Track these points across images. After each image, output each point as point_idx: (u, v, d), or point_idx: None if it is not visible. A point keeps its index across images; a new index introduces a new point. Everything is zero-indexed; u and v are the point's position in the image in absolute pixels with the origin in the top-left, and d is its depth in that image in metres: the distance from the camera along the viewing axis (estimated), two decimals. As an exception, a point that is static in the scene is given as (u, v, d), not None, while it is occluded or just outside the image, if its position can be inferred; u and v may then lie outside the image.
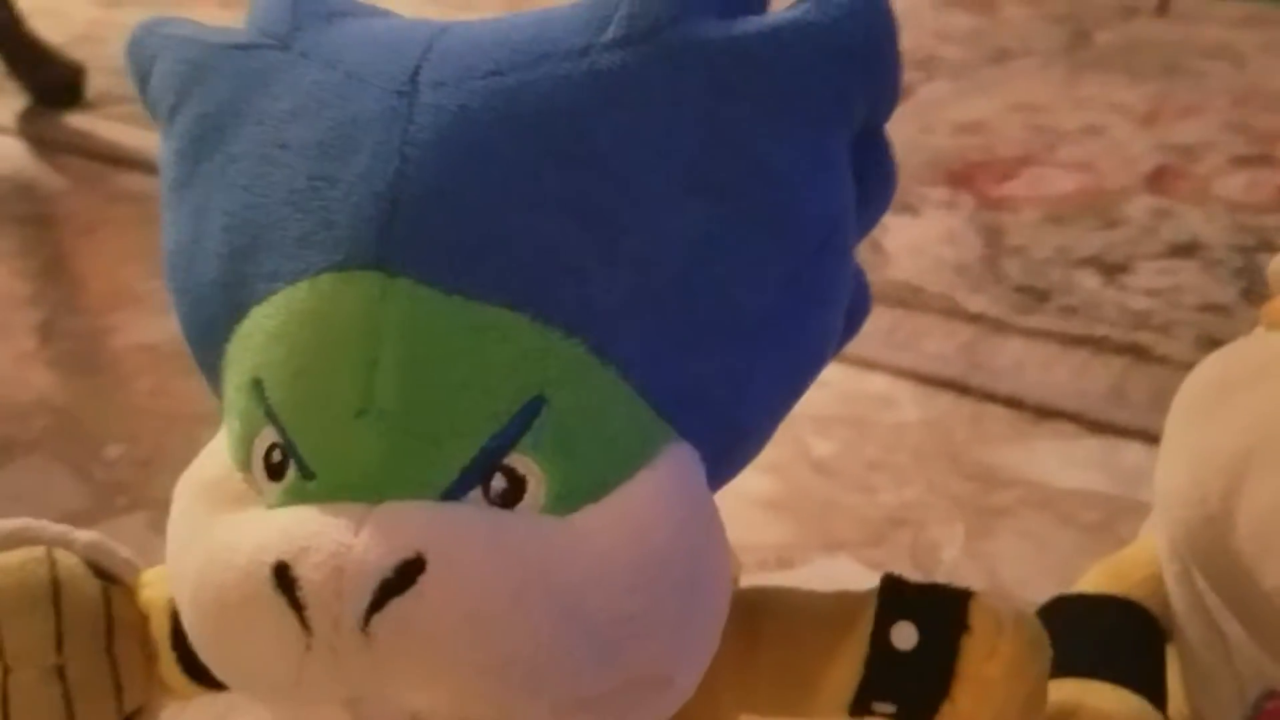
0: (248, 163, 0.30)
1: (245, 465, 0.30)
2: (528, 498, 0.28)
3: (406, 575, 0.26)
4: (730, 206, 0.29)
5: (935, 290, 0.93)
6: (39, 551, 0.40)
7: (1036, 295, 0.93)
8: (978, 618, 0.35)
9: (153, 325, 0.90)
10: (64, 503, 0.72)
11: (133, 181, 1.16)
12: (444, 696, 0.27)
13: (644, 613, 0.28)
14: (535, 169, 0.28)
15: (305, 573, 0.26)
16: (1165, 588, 0.42)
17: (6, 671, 0.38)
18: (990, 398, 0.79)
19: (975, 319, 0.88)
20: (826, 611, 0.37)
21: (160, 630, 0.40)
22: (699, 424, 0.30)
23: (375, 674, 0.26)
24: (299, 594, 0.26)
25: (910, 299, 0.92)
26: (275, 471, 0.29)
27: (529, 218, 0.28)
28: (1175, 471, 0.39)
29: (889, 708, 0.36)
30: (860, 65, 0.30)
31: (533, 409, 0.28)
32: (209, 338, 0.31)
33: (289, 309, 0.28)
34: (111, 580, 0.41)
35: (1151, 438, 0.74)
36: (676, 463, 0.30)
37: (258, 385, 0.29)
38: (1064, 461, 0.74)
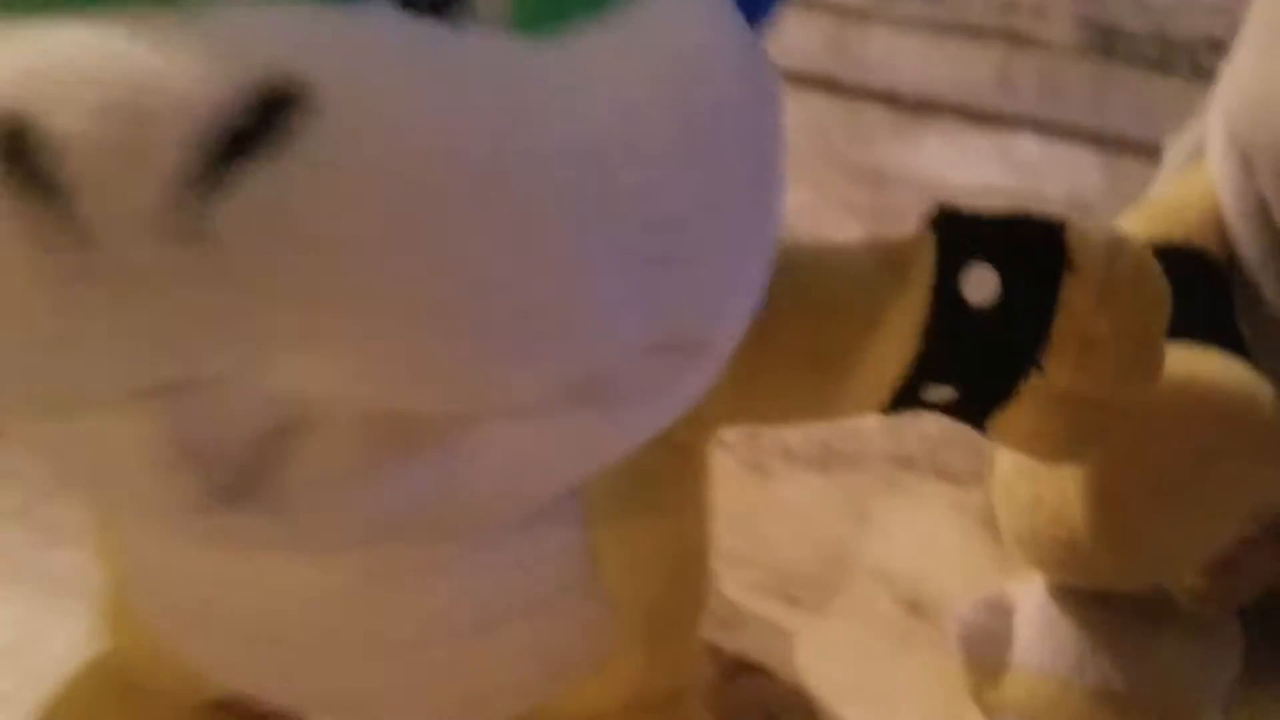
0: None
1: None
2: (479, 4, 0.15)
3: (272, 121, 0.13)
4: None
5: (786, -20, 0.81)
6: None
7: (896, -17, 0.82)
8: (1083, 253, 0.25)
9: None
10: None
11: None
12: (347, 359, 0.14)
13: (695, 214, 0.16)
14: None
15: (65, 125, 0.12)
16: (1226, 231, 0.32)
17: None
18: (866, 94, 0.69)
19: (836, 9, 0.77)
20: (861, 262, 0.26)
21: None
22: None
23: (216, 318, 0.13)
24: (56, 173, 0.12)
25: (759, -10, 0.79)
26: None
27: None
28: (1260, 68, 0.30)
29: (947, 392, 0.25)
30: None
31: None
32: None
33: None
34: None
35: (1043, 127, 0.66)
36: None
37: None
38: (955, 157, 0.65)
